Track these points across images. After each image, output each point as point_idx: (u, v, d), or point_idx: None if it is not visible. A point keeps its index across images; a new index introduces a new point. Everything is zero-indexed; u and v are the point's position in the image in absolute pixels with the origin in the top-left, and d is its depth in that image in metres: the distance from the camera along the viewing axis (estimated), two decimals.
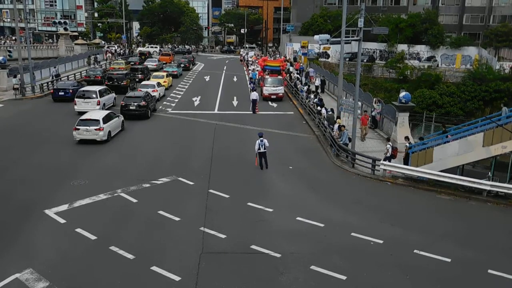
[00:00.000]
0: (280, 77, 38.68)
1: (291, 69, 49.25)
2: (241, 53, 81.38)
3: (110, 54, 62.08)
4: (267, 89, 36.66)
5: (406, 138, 21.86)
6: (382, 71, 55.76)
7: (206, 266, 11.89)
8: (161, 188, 17.48)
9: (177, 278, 11.23)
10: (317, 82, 41.44)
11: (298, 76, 45.24)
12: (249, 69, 53.45)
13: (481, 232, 15.03)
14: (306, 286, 11.19)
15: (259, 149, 19.76)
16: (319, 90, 38.96)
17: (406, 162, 20.64)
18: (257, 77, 43.64)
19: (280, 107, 34.81)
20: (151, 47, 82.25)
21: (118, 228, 14.00)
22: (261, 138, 19.82)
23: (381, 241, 13.56)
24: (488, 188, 17.63)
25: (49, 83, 38.32)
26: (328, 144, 24.00)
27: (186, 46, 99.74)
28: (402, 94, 24.48)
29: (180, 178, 18.42)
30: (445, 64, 60.44)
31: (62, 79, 39.76)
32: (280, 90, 36.98)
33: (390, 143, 20.90)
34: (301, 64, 54.87)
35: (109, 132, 23.59)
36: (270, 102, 36.08)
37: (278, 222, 14.76)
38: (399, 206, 17.04)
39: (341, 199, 17.46)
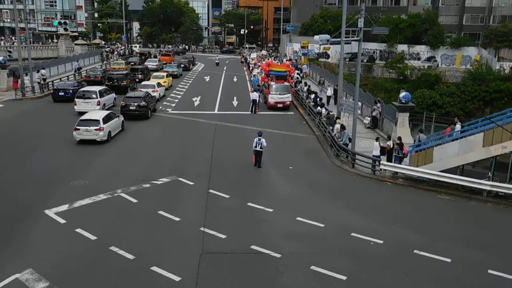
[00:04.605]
0: (286, 83, 34.73)
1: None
2: (243, 53, 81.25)
3: (109, 53, 64.69)
4: (273, 97, 33.31)
5: (389, 137, 21.90)
6: (382, 71, 55.77)
7: (206, 266, 11.88)
8: (161, 188, 17.48)
9: (177, 278, 11.23)
10: (329, 91, 36.41)
11: (298, 76, 45.20)
12: (251, 73, 50.43)
13: (481, 232, 15.03)
14: (306, 286, 11.18)
15: (255, 147, 19.92)
16: (330, 101, 35.05)
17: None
18: (259, 83, 39.90)
19: (280, 107, 34.70)
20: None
21: (118, 228, 14.01)
22: (259, 137, 19.92)
23: (381, 241, 13.56)
24: (488, 188, 17.64)
25: (49, 83, 38.33)
26: (328, 144, 24.00)
27: (185, 46, 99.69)
28: (402, 94, 24.51)
29: (180, 178, 18.42)
30: (445, 64, 60.45)
31: (82, 72, 45.69)
32: (287, 98, 33.62)
33: (378, 142, 20.83)
34: (294, 62, 54.82)
35: (109, 132, 23.60)
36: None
37: (278, 222, 14.76)
38: (399, 206, 17.04)
39: (341, 199, 17.45)
